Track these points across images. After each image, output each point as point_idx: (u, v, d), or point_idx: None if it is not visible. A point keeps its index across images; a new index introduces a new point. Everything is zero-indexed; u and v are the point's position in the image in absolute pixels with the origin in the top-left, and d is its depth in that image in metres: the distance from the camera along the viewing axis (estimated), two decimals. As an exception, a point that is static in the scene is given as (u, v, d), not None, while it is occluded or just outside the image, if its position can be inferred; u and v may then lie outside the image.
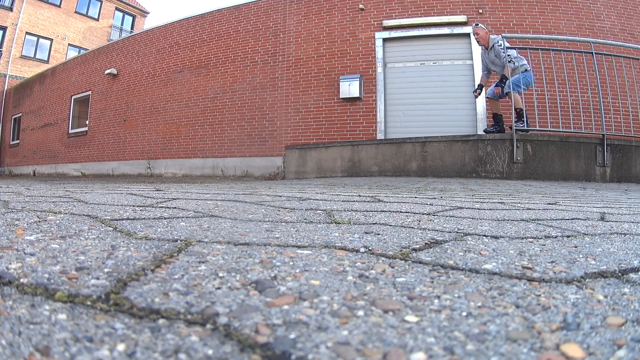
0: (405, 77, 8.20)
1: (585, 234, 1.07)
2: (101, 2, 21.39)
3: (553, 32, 7.41)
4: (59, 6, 19.69)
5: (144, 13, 23.58)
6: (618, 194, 3.16)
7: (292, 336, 0.41)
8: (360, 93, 8.11)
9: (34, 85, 14.86)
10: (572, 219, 1.38)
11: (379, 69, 8.21)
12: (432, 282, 0.60)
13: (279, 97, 8.87)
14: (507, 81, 5.69)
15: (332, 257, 0.74)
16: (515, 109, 5.88)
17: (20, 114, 15.51)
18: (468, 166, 5.95)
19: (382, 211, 1.51)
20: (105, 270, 0.61)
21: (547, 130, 6.03)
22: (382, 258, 0.75)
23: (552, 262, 0.74)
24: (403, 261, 0.73)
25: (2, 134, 16.67)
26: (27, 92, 15.23)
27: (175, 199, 1.90)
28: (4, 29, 17.85)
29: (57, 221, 1.07)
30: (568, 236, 1.03)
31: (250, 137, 9.07)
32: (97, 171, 11.45)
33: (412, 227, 1.12)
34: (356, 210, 1.52)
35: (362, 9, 8.44)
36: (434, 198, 2.21)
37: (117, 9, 22.15)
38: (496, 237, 0.99)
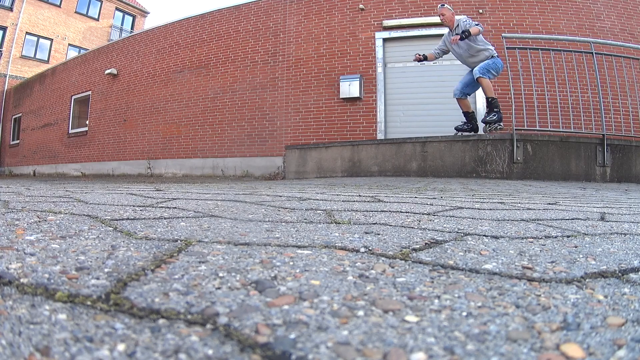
0: (405, 77, 8.20)
1: (585, 234, 1.07)
2: (101, 2, 21.39)
3: (553, 32, 7.41)
4: (59, 6, 19.69)
5: (144, 13, 23.59)
6: (618, 194, 3.16)
7: (292, 336, 0.41)
8: (360, 93, 8.11)
9: (34, 85, 14.87)
10: (572, 219, 1.38)
11: (379, 69, 8.21)
12: (432, 282, 0.60)
13: (279, 97, 8.88)
14: (476, 67, 5.36)
15: (332, 257, 0.74)
16: (487, 98, 5.54)
17: (20, 114, 15.52)
18: (468, 166, 5.95)
19: (382, 211, 1.51)
20: (106, 270, 0.61)
21: (547, 130, 6.03)
22: (382, 258, 0.75)
23: (552, 262, 0.74)
24: (403, 261, 0.73)
25: (2, 134, 16.68)
26: (27, 92, 15.24)
27: (175, 199, 1.90)
28: (4, 29, 17.85)
29: (57, 221, 1.07)
30: (568, 236, 1.03)
31: (251, 137, 9.07)
32: (97, 171, 11.45)
33: (412, 227, 1.12)
34: (356, 210, 1.52)
35: (362, 9, 8.44)
36: (434, 198, 2.21)
37: (117, 9, 22.15)
38: (496, 237, 0.99)
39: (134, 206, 1.51)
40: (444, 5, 5.58)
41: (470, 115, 5.84)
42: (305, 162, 7.13)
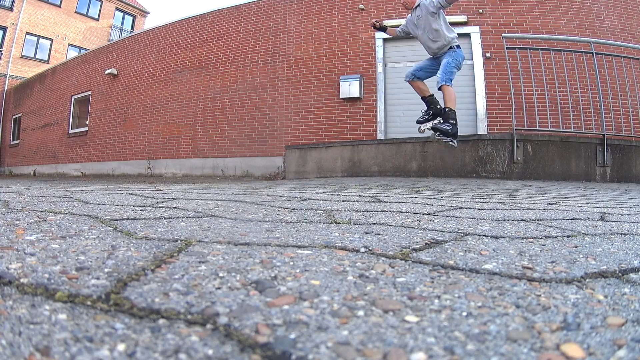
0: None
1: (585, 234, 1.07)
2: (101, 2, 21.39)
3: (553, 32, 7.41)
4: (59, 6, 19.69)
5: (144, 13, 23.59)
6: (618, 194, 3.16)
7: (293, 336, 0.40)
8: (360, 93, 8.10)
9: (34, 85, 14.87)
10: (573, 219, 1.38)
11: (379, 69, 8.21)
12: (433, 282, 0.60)
13: (279, 97, 8.88)
14: (439, 72, 4.66)
15: (332, 257, 0.74)
16: (444, 108, 4.73)
17: (20, 114, 15.52)
18: (468, 166, 5.95)
19: (382, 211, 1.51)
20: (106, 270, 0.61)
21: (547, 130, 6.03)
22: (383, 258, 0.75)
23: (553, 262, 0.74)
24: (403, 261, 0.73)
25: (2, 134, 16.68)
26: (27, 92, 15.24)
27: (175, 199, 1.90)
28: (4, 29, 17.85)
29: (58, 221, 1.07)
30: (568, 236, 1.03)
31: (251, 137, 9.07)
32: (97, 171, 11.45)
33: (413, 227, 1.12)
34: (356, 210, 1.52)
35: (362, 9, 8.45)
36: (434, 198, 2.21)
37: (117, 9, 22.15)
38: (496, 237, 0.99)
39: (134, 206, 1.51)
40: None
41: (429, 100, 4.97)
42: (306, 162, 7.13)
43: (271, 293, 0.53)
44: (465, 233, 1.04)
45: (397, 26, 5.10)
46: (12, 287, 0.52)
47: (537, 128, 5.95)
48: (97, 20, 21.28)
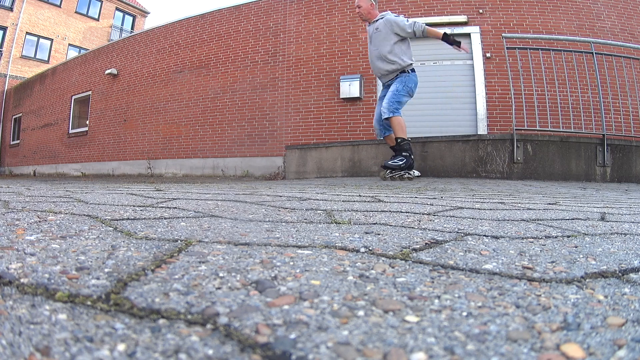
0: (405, 77, 8.19)
1: (585, 234, 1.06)
2: (101, 2, 21.40)
3: (553, 32, 7.41)
4: (59, 6, 19.70)
5: (144, 13, 23.59)
6: (618, 194, 3.16)
7: (293, 336, 0.40)
8: (360, 93, 8.11)
9: (34, 86, 14.87)
10: (573, 219, 1.38)
11: (379, 69, 8.21)
12: (433, 282, 0.60)
13: (279, 97, 8.88)
14: (384, 103, 4.24)
15: (332, 257, 0.74)
16: (396, 139, 4.27)
17: (20, 114, 15.52)
18: (468, 166, 5.95)
19: (382, 211, 1.51)
20: (106, 270, 0.61)
21: (548, 130, 6.03)
22: (383, 258, 0.75)
23: (553, 262, 0.74)
24: (403, 261, 0.73)
25: (3, 134, 16.69)
26: (28, 92, 15.24)
27: (175, 199, 1.90)
28: (4, 29, 17.86)
29: (58, 221, 1.07)
30: (568, 236, 1.03)
31: (251, 137, 9.07)
32: (97, 171, 11.45)
33: (413, 227, 1.12)
34: (356, 210, 1.52)
35: (362, 9, 8.44)
36: (434, 198, 2.21)
37: (117, 9, 22.16)
38: (496, 237, 0.99)
39: (134, 206, 1.51)
40: None
41: (400, 146, 4.44)
42: (306, 162, 7.13)
43: (271, 293, 0.53)
44: (466, 233, 1.04)
45: None
46: (12, 287, 0.52)
47: (537, 128, 5.95)
48: (97, 20, 21.28)
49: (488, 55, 7.68)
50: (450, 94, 7.87)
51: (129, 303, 0.48)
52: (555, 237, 1.01)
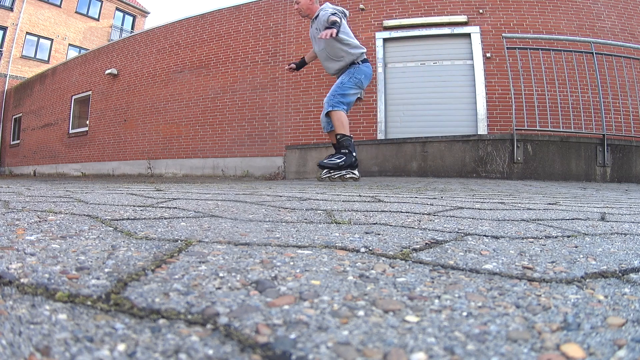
0: (405, 77, 8.20)
1: (585, 234, 1.06)
2: (101, 2, 21.41)
3: (553, 32, 7.41)
4: (60, 6, 19.71)
5: (144, 13, 23.60)
6: (618, 194, 3.16)
7: (293, 336, 0.40)
8: (360, 93, 8.10)
9: (34, 86, 14.88)
10: (573, 219, 1.38)
11: (380, 69, 8.21)
12: (433, 282, 0.60)
13: (280, 97, 8.88)
14: (327, 96, 4.03)
15: (332, 257, 0.74)
16: (336, 135, 3.97)
17: (20, 114, 15.53)
18: (468, 166, 5.95)
19: (382, 211, 1.51)
20: (106, 270, 0.61)
21: (548, 130, 6.04)
22: (383, 258, 0.74)
23: (553, 262, 0.74)
24: (403, 261, 0.73)
25: (3, 134, 16.69)
26: (28, 92, 15.25)
27: (175, 199, 1.90)
28: (5, 29, 17.86)
29: (58, 221, 1.07)
30: (568, 236, 1.03)
31: (251, 137, 9.07)
32: (97, 171, 11.46)
33: (413, 227, 1.12)
34: (356, 210, 1.52)
35: (362, 9, 8.44)
36: (434, 198, 2.20)
37: (117, 9, 22.17)
38: (497, 237, 0.98)
39: (134, 206, 1.51)
40: None
41: (341, 143, 4.12)
42: (306, 162, 7.13)
43: (271, 293, 0.53)
44: (466, 233, 1.04)
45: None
46: (12, 287, 0.52)
47: (537, 128, 5.96)
48: (97, 20, 21.29)
49: (488, 55, 7.68)
50: (450, 94, 7.87)
51: (129, 303, 0.48)
52: (556, 237, 1.01)
